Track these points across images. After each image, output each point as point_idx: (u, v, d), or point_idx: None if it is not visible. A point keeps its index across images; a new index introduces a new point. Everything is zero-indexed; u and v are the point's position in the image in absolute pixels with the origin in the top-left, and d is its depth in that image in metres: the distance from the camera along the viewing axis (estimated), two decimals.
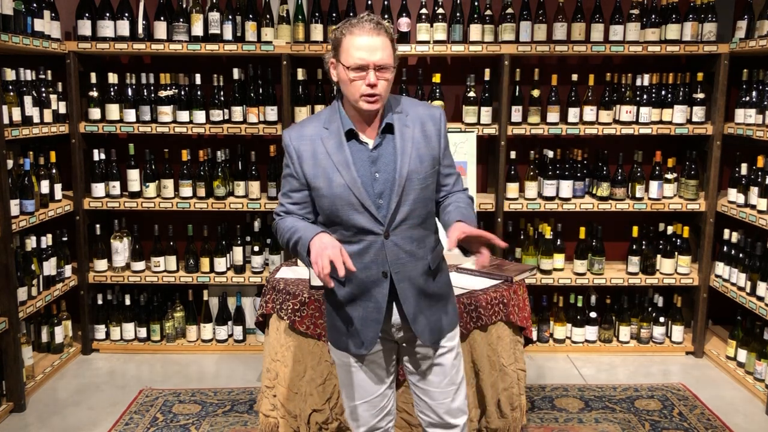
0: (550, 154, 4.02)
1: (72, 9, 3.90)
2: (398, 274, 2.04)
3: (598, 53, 3.90)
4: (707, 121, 3.95)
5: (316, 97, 4.01)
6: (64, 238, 3.94)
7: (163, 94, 3.94)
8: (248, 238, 4.13)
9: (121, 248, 4.08)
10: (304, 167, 2.03)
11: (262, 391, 2.97)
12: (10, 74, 3.41)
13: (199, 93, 3.95)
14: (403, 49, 3.85)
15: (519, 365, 2.93)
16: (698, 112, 3.92)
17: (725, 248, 3.89)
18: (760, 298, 3.56)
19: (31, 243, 3.60)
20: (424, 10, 3.90)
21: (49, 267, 3.75)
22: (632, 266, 4.08)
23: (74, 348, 4.06)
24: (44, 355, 3.90)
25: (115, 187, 4.02)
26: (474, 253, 1.98)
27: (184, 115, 3.95)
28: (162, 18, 3.87)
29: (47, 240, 3.72)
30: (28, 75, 3.56)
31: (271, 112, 3.93)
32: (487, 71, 3.98)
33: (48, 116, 3.72)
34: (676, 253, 4.04)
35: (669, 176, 4.02)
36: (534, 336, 3.67)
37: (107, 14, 3.83)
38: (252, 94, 3.94)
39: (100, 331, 4.14)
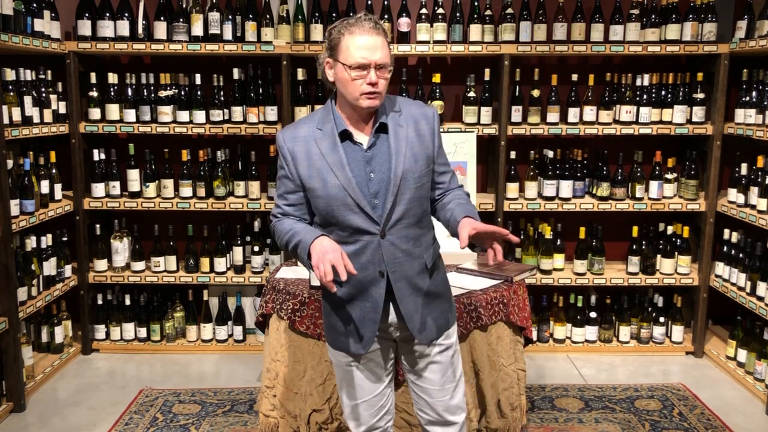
0: (550, 154, 4.02)
1: (72, 9, 3.90)
2: (395, 273, 2.04)
3: (598, 53, 3.91)
4: (707, 121, 3.95)
5: (316, 97, 4.01)
6: (64, 238, 3.94)
7: (163, 94, 3.94)
8: (248, 238, 4.13)
9: (121, 248, 4.08)
10: (299, 168, 2.03)
11: (262, 391, 2.97)
12: (10, 74, 3.41)
13: (199, 93, 3.95)
14: (403, 49, 3.86)
15: (519, 365, 2.93)
16: (698, 112, 3.92)
17: (725, 248, 3.89)
18: (760, 298, 3.56)
19: (31, 243, 3.60)
20: (424, 10, 3.90)
21: (49, 267, 3.75)
22: (632, 266, 4.08)
23: (74, 348, 4.06)
24: (44, 355, 3.90)
25: (115, 187, 4.02)
26: (485, 249, 1.98)
27: (184, 115, 3.95)
28: (162, 18, 3.87)
29: (47, 240, 3.72)
30: (28, 75, 3.56)
31: (271, 112, 3.93)
32: (487, 71, 3.98)
33: (48, 116, 3.72)
34: (676, 253, 4.04)
35: (669, 176, 4.02)
36: (534, 336, 3.67)
37: (107, 14, 3.83)
38: (252, 94, 3.94)
39: (100, 331, 4.14)
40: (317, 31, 3.90)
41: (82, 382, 3.74)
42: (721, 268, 3.92)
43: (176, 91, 3.99)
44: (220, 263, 4.07)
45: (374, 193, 2.00)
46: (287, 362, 2.79)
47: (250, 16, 3.89)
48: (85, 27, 3.84)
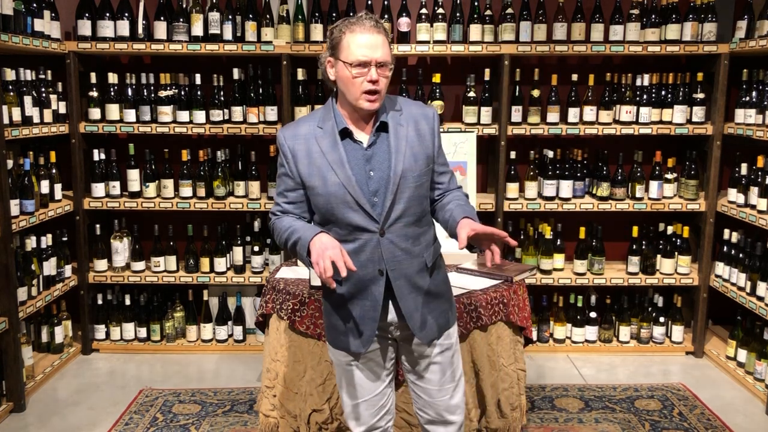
0: (550, 154, 4.02)
1: (72, 9, 3.90)
2: (394, 271, 2.04)
3: (598, 53, 3.91)
4: (707, 121, 3.95)
5: (316, 97, 4.01)
6: (64, 238, 3.94)
7: (163, 94, 3.94)
8: (248, 238, 4.13)
9: (121, 248, 4.08)
10: (299, 166, 2.04)
11: (262, 391, 2.97)
12: (10, 74, 3.41)
13: (199, 93, 3.95)
14: (403, 49, 3.86)
15: (519, 365, 2.93)
16: (698, 112, 3.92)
17: (725, 248, 3.89)
18: (760, 298, 3.56)
19: (31, 243, 3.60)
20: (424, 10, 3.90)
21: (49, 267, 3.75)
22: (632, 266, 4.08)
23: (74, 348, 4.06)
24: (44, 355, 3.90)
25: (115, 187, 4.02)
26: (482, 250, 1.98)
27: (184, 115, 3.95)
28: (162, 18, 3.87)
29: (47, 240, 3.72)
30: (28, 75, 3.56)
31: (271, 112, 3.93)
32: (487, 71, 3.98)
33: (48, 116, 3.72)
34: (676, 253, 4.04)
35: (669, 176, 4.02)
36: (534, 336, 3.67)
37: (107, 14, 3.83)
38: (252, 94, 3.94)
39: (100, 331, 4.14)
40: (317, 31, 3.90)
41: (82, 382, 3.74)
42: (721, 268, 3.92)
43: (176, 91, 3.99)
44: (220, 263, 4.07)
45: (374, 192, 2.01)
46: (287, 362, 2.79)
47: (250, 16, 3.89)
48: (85, 27, 3.84)
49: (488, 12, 3.92)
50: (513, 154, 3.98)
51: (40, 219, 3.61)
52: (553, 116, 3.96)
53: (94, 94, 3.96)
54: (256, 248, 4.08)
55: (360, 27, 1.95)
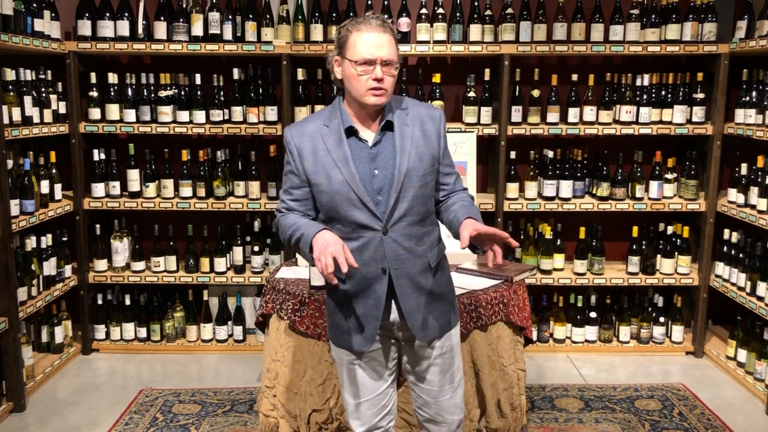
0: (550, 154, 4.02)
1: (72, 9, 3.90)
2: (397, 270, 2.05)
3: (598, 53, 3.91)
4: (707, 121, 3.95)
5: (316, 97, 4.01)
6: (64, 238, 3.94)
7: (163, 94, 3.94)
8: (248, 238, 4.13)
9: (121, 248, 4.08)
10: (305, 164, 2.05)
11: (262, 391, 2.97)
12: (10, 74, 3.41)
13: (199, 93, 3.95)
14: (403, 49, 3.85)
15: (519, 365, 2.93)
16: (698, 112, 3.92)
17: (725, 248, 3.89)
18: (760, 298, 3.56)
19: (31, 243, 3.60)
20: (424, 10, 3.90)
21: (49, 267, 3.75)
22: (632, 266, 4.08)
23: (74, 348, 4.06)
24: (44, 355, 3.90)
25: (115, 187, 4.02)
26: (484, 250, 1.99)
27: (184, 115, 3.95)
28: (162, 18, 3.87)
29: (47, 240, 3.72)
30: (28, 75, 3.56)
31: (271, 112, 3.93)
32: (487, 71, 3.98)
33: (48, 116, 3.72)
34: (676, 253, 4.04)
35: (669, 176, 4.02)
36: (534, 336, 3.67)
37: (107, 14, 3.83)
38: (252, 94, 3.94)
39: (100, 331, 4.14)
40: (317, 31, 3.90)
41: (82, 382, 3.74)
42: (721, 268, 3.92)
43: (176, 91, 3.99)
44: (220, 263, 4.07)
45: (378, 190, 2.02)
46: (287, 362, 2.79)
47: (250, 16, 3.89)
48: (85, 27, 3.84)
49: (488, 12, 3.92)
50: (513, 154, 3.98)
51: (40, 219, 3.61)
52: (553, 116, 3.96)
53: (94, 94, 3.96)
54: (256, 248, 4.08)
55: (366, 26, 1.97)
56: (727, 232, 3.87)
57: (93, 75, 3.95)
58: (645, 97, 3.94)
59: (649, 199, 4.01)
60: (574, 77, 3.98)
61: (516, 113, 3.93)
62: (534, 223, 4.18)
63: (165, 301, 4.25)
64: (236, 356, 4.09)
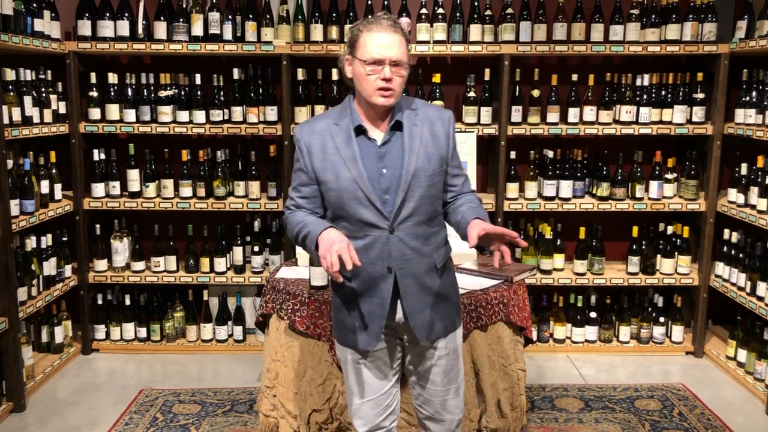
0: (550, 154, 4.02)
1: (72, 9, 3.89)
2: (402, 269, 2.06)
3: (598, 53, 3.91)
4: (707, 121, 3.95)
5: (316, 97, 4.01)
6: (64, 238, 3.94)
7: (163, 94, 3.94)
8: (248, 238, 4.13)
9: (121, 248, 4.08)
10: (314, 161, 2.07)
11: (262, 391, 2.97)
12: (10, 74, 3.41)
13: (199, 93, 3.95)
14: None
15: (519, 365, 2.93)
16: (698, 112, 3.92)
17: (725, 248, 3.89)
18: (760, 298, 3.55)
19: (31, 243, 3.60)
20: (424, 10, 3.90)
21: (49, 267, 3.75)
22: (632, 266, 4.08)
23: (74, 348, 4.06)
24: (44, 355, 3.90)
25: (115, 187, 4.02)
26: (491, 251, 2.00)
27: (184, 115, 3.95)
28: (162, 18, 3.87)
29: (47, 240, 3.72)
30: (28, 75, 3.56)
31: (271, 112, 3.93)
32: (487, 71, 3.98)
33: (48, 116, 3.72)
34: (676, 253, 4.04)
35: (669, 176, 4.02)
36: (534, 336, 3.67)
37: (107, 14, 3.83)
38: (252, 94, 3.94)
39: (100, 331, 4.14)
40: (317, 31, 3.90)
41: (82, 382, 3.74)
42: (721, 268, 3.92)
43: (176, 91, 3.98)
44: (220, 263, 4.07)
45: (385, 189, 2.03)
46: (287, 362, 2.79)
47: (250, 16, 3.89)
48: (85, 27, 3.84)
49: (488, 12, 3.92)
50: (513, 154, 3.98)
51: (40, 219, 3.61)
52: (553, 116, 3.96)
53: (94, 94, 3.96)
54: (256, 248, 4.08)
55: (377, 26, 1.99)
56: (727, 232, 3.87)
57: (93, 75, 3.95)
58: (645, 97, 3.94)
59: (649, 199, 4.01)
60: (574, 77, 3.98)
61: (516, 113, 3.93)
62: (534, 223, 4.18)
63: (165, 301, 4.25)
64: (236, 356, 4.09)
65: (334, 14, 3.92)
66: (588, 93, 4.00)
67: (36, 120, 3.60)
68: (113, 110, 3.94)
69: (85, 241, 4.02)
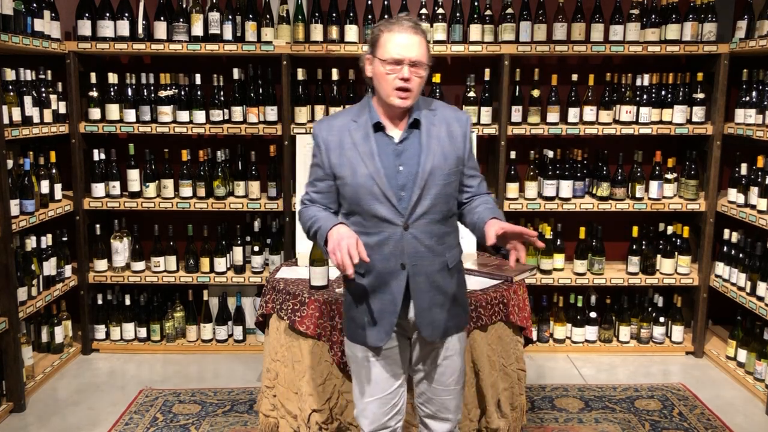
0: (550, 154, 4.02)
1: (72, 9, 3.89)
2: (415, 267, 2.08)
3: (598, 53, 3.91)
4: (707, 121, 3.95)
5: (316, 97, 4.01)
6: (64, 238, 3.94)
7: (163, 94, 3.94)
8: (248, 238, 4.13)
9: (121, 248, 4.08)
10: (331, 157, 2.10)
11: (262, 391, 2.97)
12: (10, 74, 3.41)
13: (199, 93, 3.95)
14: None
15: (519, 365, 2.93)
16: (698, 112, 3.92)
17: (725, 248, 3.89)
18: (760, 298, 3.55)
19: (31, 243, 3.60)
20: (424, 10, 3.90)
21: (49, 267, 3.75)
22: (632, 266, 4.08)
23: (74, 348, 4.06)
24: (44, 355, 3.90)
25: (115, 187, 4.02)
26: (507, 250, 2.02)
27: (184, 115, 3.95)
28: (162, 18, 3.87)
29: (47, 240, 3.72)
30: (28, 75, 3.56)
31: (271, 112, 3.93)
32: (487, 71, 3.99)
33: (48, 116, 3.72)
34: (676, 253, 4.04)
35: (669, 176, 4.02)
36: (534, 336, 3.67)
37: (107, 14, 3.83)
38: (252, 94, 3.94)
39: (100, 331, 4.14)
40: (317, 31, 3.90)
41: (82, 382, 3.74)
42: (721, 268, 3.92)
43: (176, 91, 3.98)
44: (220, 263, 4.07)
45: (401, 186, 2.05)
46: (287, 362, 2.79)
47: (250, 16, 3.89)
48: (85, 27, 3.84)
49: (488, 12, 3.92)
50: (513, 154, 3.98)
51: (40, 219, 3.61)
52: (553, 116, 3.96)
53: (94, 94, 3.96)
54: (256, 248, 4.08)
55: (398, 27, 2.02)
56: (727, 232, 3.87)
57: (93, 75, 3.95)
58: (645, 97, 3.94)
59: (649, 199, 4.01)
60: (574, 77, 3.98)
61: (516, 113, 3.93)
62: (534, 223, 4.18)
63: (165, 301, 4.25)
64: (236, 356, 4.09)
65: (334, 14, 3.92)
66: (588, 93, 4.00)
67: (36, 120, 3.60)
68: (113, 110, 3.94)
69: (85, 241, 4.02)
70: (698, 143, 4.05)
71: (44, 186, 3.72)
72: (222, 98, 3.97)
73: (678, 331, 4.10)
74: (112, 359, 4.06)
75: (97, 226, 4.07)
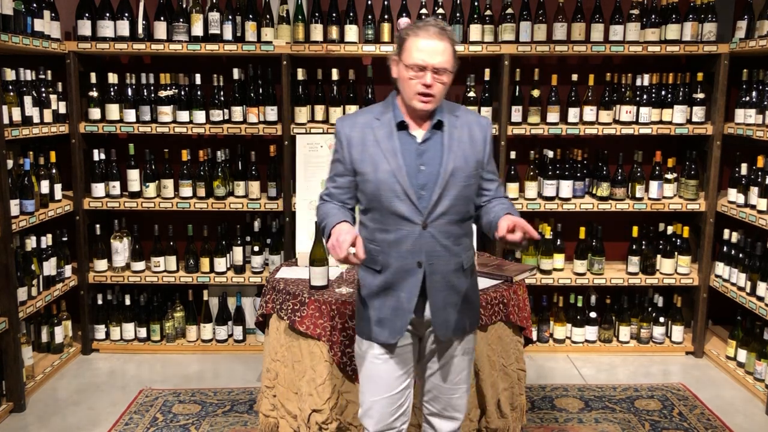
0: (550, 154, 4.02)
1: (72, 9, 3.90)
2: (432, 266, 2.10)
3: (598, 53, 3.90)
4: (707, 121, 3.95)
5: (316, 97, 4.01)
6: (64, 238, 3.94)
7: (163, 94, 3.94)
8: (248, 238, 4.13)
9: (121, 248, 4.08)
10: (353, 153, 2.12)
11: (262, 391, 2.97)
12: (10, 74, 3.41)
13: (199, 93, 3.95)
14: None
15: (519, 365, 2.93)
16: (698, 112, 3.92)
17: (725, 248, 3.89)
18: (760, 298, 3.56)
19: (31, 243, 3.60)
20: (424, 11, 3.90)
21: (49, 267, 3.75)
22: (632, 266, 4.08)
23: (74, 348, 4.06)
24: (44, 355, 3.90)
25: (115, 187, 4.02)
26: (516, 242, 2.03)
27: (184, 115, 3.95)
28: (162, 18, 3.87)
29: (47, 240, 3.72)
30: (28, 75, 3.56)
31: (271, 112, 3.93)
32: (487, 71, 3.99)
33: (48, 116, 3.72)
34: (676, 253, 4.04)
35: (669, 176, 4.02)
36: (534, 336, 3.67)
37: (107, 14, 3.83)
38: (252, 94, 3.94)
39: (100, 331, 4.14)
40: (317, 31, 3.90)
41: (82, 382, 3.74)
42: (721, 268, 3.92)
43: (176, 91, 3.99)
44: (220, 263, 4.07)
45: (422, 185, 2.07)
46: (287, 362, 2.79)
47: (250, 16, 3.89)
48: (85, 27, 3.84)
49: (488, 12, 3.92)
50: (513, 154, 3.98)
51: (40, 219, 3.61)
52: (553, 116, 3.96)
53: (94, 94, 3.96)
54: (256, 248, 4.08)
55: (424, 32, 2.03)
56: (727, 232, 3.87)
57: (93, 75, 3.95)
58: (645, 97, 3.94)
59: (649, 199, 4.01)
60: (574, 77, 3.98)
61: (516, 113, 3.93)
62: (534, 223, 4.18)
63: (165, 301, 4.25)
64: (236, 356, 4.09)
65: (334, 14, 3.92)
66: (588, 93, 4.00)
67: (36, 120, 3.60)
68: (113, 110, 3.94)
69: (85, 241, 4.02)
70: (698, 143, 4.05)
71: (44, 186, 3.72)
72: (222, 98, 3.97)
73: (678, 331, 4.10)
74: (112, 359, 4.06)
75: (97, 226, 4.07)
